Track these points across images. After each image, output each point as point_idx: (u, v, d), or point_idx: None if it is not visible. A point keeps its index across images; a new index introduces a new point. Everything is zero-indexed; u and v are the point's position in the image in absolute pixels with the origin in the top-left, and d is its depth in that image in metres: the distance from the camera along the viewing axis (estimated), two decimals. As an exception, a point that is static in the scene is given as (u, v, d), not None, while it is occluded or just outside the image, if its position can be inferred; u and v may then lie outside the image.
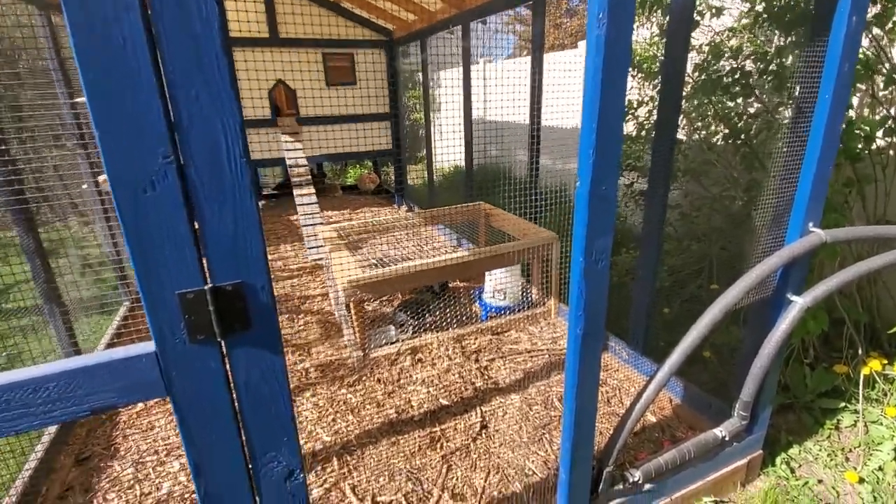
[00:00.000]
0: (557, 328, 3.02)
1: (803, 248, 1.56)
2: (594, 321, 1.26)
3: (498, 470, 1.93)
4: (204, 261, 0.81)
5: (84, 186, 3.18)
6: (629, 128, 3.77)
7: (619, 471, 1.60)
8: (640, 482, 1.61)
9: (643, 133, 3.67)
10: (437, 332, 2.92)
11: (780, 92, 2.82)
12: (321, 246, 3.82)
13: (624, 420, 1.54)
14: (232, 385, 0.90)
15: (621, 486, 1.60)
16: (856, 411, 2.23)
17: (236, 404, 0.91)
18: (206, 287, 0.81)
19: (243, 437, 0.93)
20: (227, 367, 0.88)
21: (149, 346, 0.81)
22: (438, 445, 2.07)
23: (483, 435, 2.12)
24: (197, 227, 0.79)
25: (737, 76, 2.94)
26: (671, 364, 1.52)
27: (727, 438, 1.81)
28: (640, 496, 1.67)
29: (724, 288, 1.58)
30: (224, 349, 0.87)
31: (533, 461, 1.97)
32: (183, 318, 0.82)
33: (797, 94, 1.60)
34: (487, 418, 2.23)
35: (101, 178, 4.17)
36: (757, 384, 1.72)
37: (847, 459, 2.06)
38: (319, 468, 1.95)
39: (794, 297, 1.65)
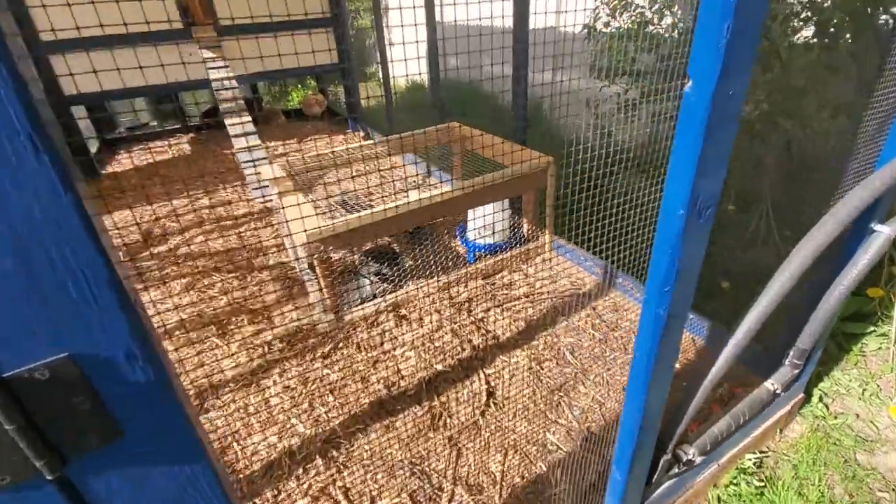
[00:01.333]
0: (554, 265, 2.68)
1: (912, 163, 1.20)
2: (684, 297, 0.87)
3: (516, 449, 1.64)
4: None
5: None
6: (621, 22, 3.20)
7: (672, 451, 1.33)
8: (694, 460, 1.35)
9: (637, 27, 3.13)
10: (419, 281, 2.52)
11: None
12: (266, 186, 3.21)
13: (686, 403, 1.23)
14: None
15: (677, 469, 1.33)
16: (883, 335, 2.07)
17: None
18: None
19: None
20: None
21: None
22: (441, 424, 1.75)
23: (491, 405, 1.82)
24: None
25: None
26: (745, 331, 1.19)
27: (779, 392, 1.57)
28: (692, 472, 1.42)
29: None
30: (76, 482, 0.42)
31: (554, 432, 1.69)
32: (-52, 449, 0.35)
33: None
34: (493, 383, 1.91)
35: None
36: (820, 329, 1.45)
37: (880, 388, 1.92)
38: (301, 471, 1.60)
39: (879, 227, 1.32)
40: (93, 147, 5.38)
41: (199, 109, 6.64)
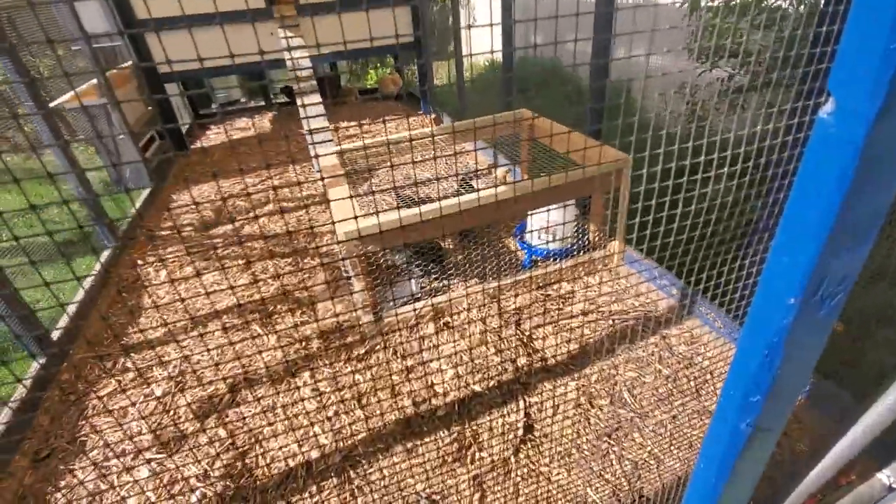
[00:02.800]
0: (622, 279, 2.35)
1: None
2: (781, 408, 0.60)
3: (549, 502, 1.42)
4: None
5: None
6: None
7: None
8: (774, 571, 1.05)
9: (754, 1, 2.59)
10: (467, 283, 2.33)
11: None
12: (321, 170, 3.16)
13: (772, 501, 0.94)
14: None
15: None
16: None
17: None
18: None
19: None
20: None
21: None
22: (469, 457, 1.57)
23: (527, 442, 1.61)
24: None
25: None
26: (880, 415, 0.86)
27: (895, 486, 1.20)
28: (769, 581, 1.12)
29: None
30: None
31: (598, 489, 1.45)
32: None
33: None
34: (533, 415, 1.70)
35: (67, 95, 3.54)
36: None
37: None
38: (314, 488, 1.52)
39: None
40: (187, 121, 5.76)
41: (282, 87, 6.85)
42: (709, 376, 1.79)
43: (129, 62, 4.50)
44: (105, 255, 2.88)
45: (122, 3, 4.09)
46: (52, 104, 3.22)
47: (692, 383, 1.77)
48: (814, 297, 0.49)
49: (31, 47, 3.72)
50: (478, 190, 2.95)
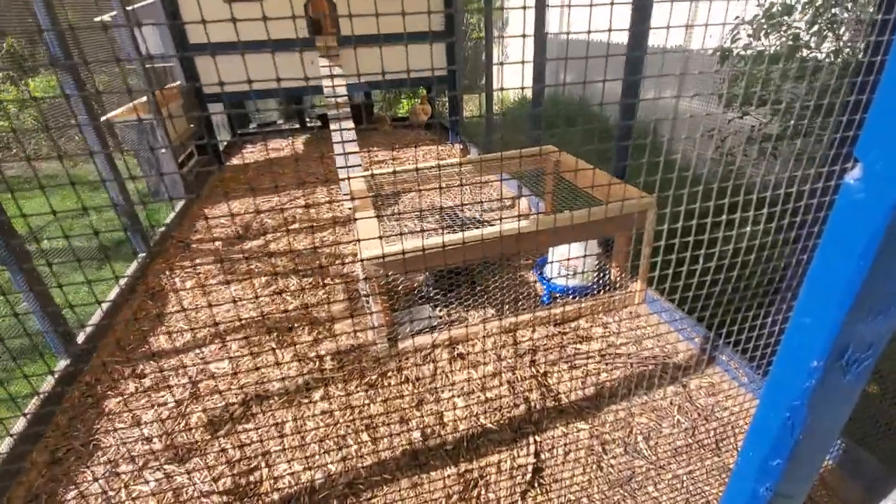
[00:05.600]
0: (643, 321, 2.30)
1: None
2: (803, 475, 0.58)
3: (555, 552, 1.37)
4: None
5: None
6: (766, 44, 2.70)
7: None
8: None
9: (788, 52, 2.60)
10: (484, 315, 2.31)
11: None
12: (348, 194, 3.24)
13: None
14: None
15: None
16: None
17: None
18: None
19: None
20: None
21: None
22: (474, 496, 1.53)
23: (536, 486, 1.56)
24: None
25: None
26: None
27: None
28: None
29: None
30: None
31: (606, 542, 1.38)
32: None
33: None
34: (543, 457, 1.65)
35: (120, 110, 3.76)
36: None
37: None
38: (316, 514, 1.49)
39: None
40: (225, 139, 6.02)
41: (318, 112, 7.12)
42: (730, 431, 1.72)
43: (178, 81, 4.77)
44: (135, 262, 2.98)
45: (177, 27, 4.36)
46: (103, 118, 3.42)
47: (712, 438, 1.69)
48: (838, 361, 0.48)
49: (91, 65, 3.98)
50: (486, 222, 2.97)
